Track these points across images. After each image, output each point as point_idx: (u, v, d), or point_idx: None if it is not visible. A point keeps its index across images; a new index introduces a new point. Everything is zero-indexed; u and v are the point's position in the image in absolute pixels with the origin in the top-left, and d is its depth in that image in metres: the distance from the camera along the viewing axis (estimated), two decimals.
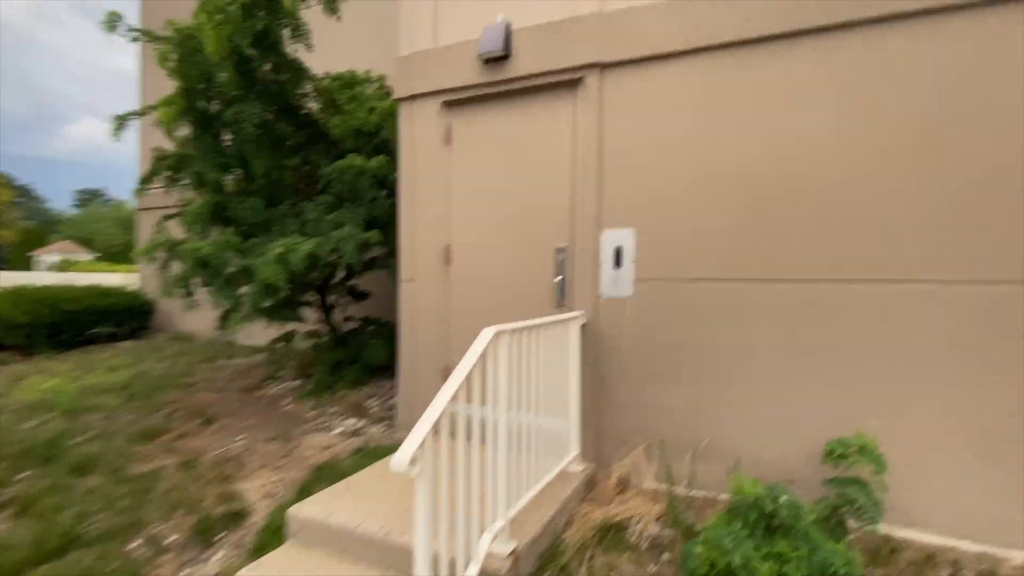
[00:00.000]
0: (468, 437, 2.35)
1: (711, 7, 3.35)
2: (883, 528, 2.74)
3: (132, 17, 5.19)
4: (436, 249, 4.30)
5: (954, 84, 2.89)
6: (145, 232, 10.18)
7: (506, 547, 2.47)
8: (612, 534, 2.93)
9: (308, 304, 6.19)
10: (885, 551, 2.81)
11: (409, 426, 4.30)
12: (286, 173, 5.59)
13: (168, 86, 5.12)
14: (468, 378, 2.23)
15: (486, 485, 2.41)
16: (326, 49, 5.82)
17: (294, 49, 5.38)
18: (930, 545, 2.86)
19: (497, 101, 4.06)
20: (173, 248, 5.01)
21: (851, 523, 2.69)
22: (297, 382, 6.19)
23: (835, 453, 2.84)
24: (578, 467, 3.51)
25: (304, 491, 3.48)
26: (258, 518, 3.35)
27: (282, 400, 5.61)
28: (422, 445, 1.86)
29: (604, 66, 3.66)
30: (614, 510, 3.11)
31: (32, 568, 2.81)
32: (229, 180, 5.56)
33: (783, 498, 2.39)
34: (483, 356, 2.33)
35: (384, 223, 5.28)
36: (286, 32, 5.20)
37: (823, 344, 3.16)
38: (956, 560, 2.76)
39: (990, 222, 2.83)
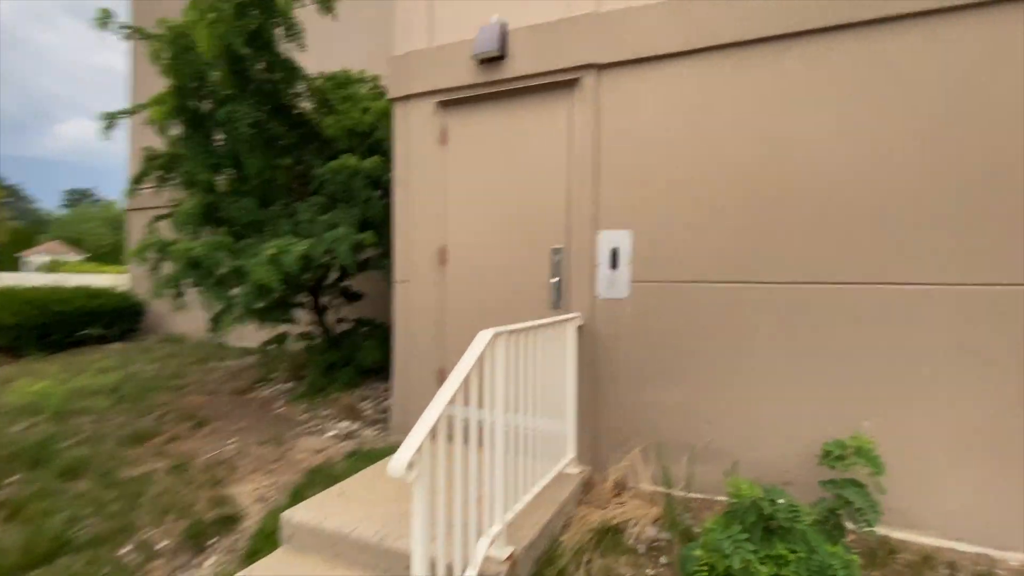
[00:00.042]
0: (466, 440, 2.32)
1: (709, 8, 3.34)
2: (880, 529, 2.73)
3: (123, 15, 5.13)
4: (431, 250, 4.27)
5: (952, 85, 2.89)
6: (135, 232, 10.08)
7: (503, 552, 2.44)
8: (609, 537, 2.90)
9: (301, 306, 6.14)
10: (882, 553, 2.81)
11: (403, 429, 4.30)
12: (279, 173, 5.54)
13: (158, 85, 5.07)
14: (466, 380, 2.21)
15: (483, 488, 2.38)
16: (318, 49, 5.79)
17: (287, 48, 5.34)
18: (926, 546, 2.86)
19: (493, 101, 4.04)
20: (164, 249, 4.95)
21: (848, 525, 2.69)
22: (289, 384, 6.14)
23: (832, 455, 2.84)
24: (575, 469, 3.49)
25: (297, 495, 3.44)
26: (251, 523, 3.30)
27: (274, 402, 5.56)
28: (419, 449, 1.82)
29: (601, 67, 3.65)
30: (611, 512, 3.09)
31: (21, 573, 2.76)
32: (221, 180, 5.51)
33: (781, 500, 2.38)
34: (481, 358, 2.31)
35: (378, 224, 5.25)
36: (279, 31, 5.16)
37: (820, 345, 3.16)
38: (952, 561, 2.76)
39: (989, 224, 2.83)
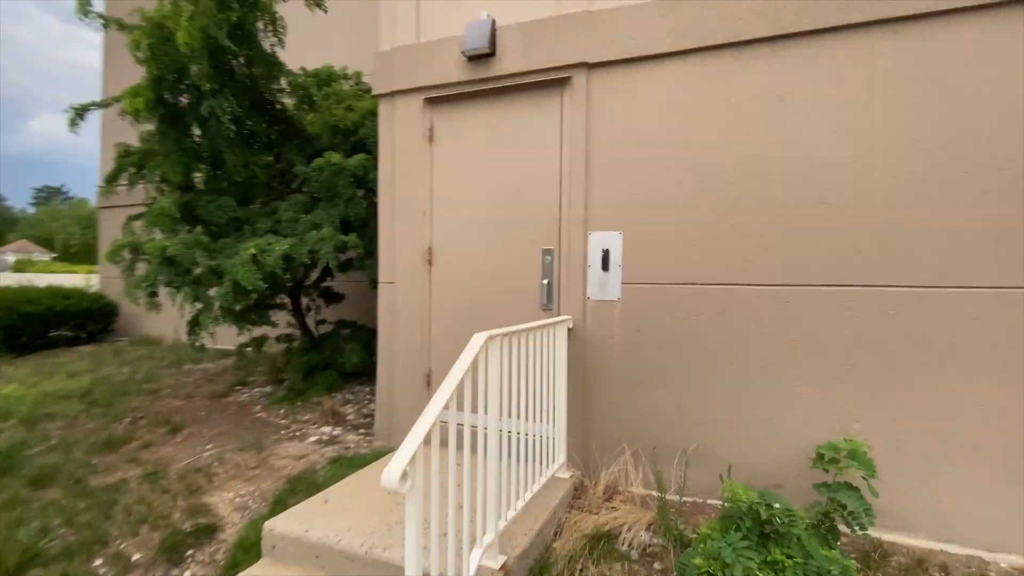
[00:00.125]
0: (459, 446, 2.24)
1: (701, 8, 3.31)
2: (872, 532, 2.72)
3: (99, 6, 4.96)
4: (417, 250, 4.18)
5: (945, 86, 2.89)
6: (107, 231, 9.82)
7: (496, 561, 2.37)
8: (603, 544, 2.85)
9: (280, 307, 6.00)
10: (876, 556, 2.79)
11: (388, 433, 4.21)
12: (259, 170, 5.40)
13: (132, 81, 4.91)
14: (459, 385, 2.13)
15: (476, 496, 2.31)
16: (297, 44, 5.68)
17: (271, 43, 5.22)
18: (919, 549, 2.86)
19: (482, 99, 3.97)
20: (138, 248, 4.79)
21: (842, 528, 2.67)
22: (269, 388, 6.00)
23: (825, 458, 2.82)
24: (566, 474, 3.43)
25: (279, 503, 3.33)
26: (230, 533, 3.18)
27: (253, 407, 5.42)
28: (413, 460, 1.74)
29: (591, 66, 3.60)
30: (604, 518, 3.03)
31: None
32: (198, 178, 5.36)
33: (776, 505, 2.34)
34: (474, 362, 2.23)
35: (361, 223, 5.15)
36: (260, 24, 5.03)
37: (811, 348, 3.14)
38: (944, 564, 2.76)
39: (982, 226, 2.83)
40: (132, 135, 5.51)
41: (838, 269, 3.08)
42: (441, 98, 4.07)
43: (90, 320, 9.26)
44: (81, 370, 6.92)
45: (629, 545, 2.87)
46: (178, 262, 4.50)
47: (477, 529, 2.32)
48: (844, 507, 2.64)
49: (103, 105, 5.24)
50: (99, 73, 10.38)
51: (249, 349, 6.20)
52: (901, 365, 2.98)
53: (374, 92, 4.38)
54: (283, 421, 4.96)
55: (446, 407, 2.03)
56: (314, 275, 6.06)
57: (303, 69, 5.78)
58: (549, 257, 3.72)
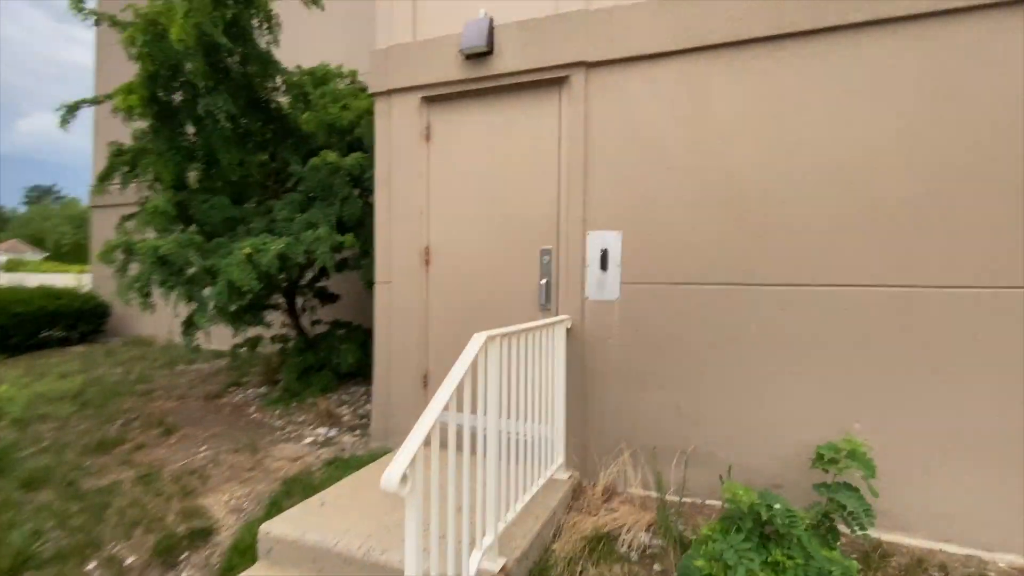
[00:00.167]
0: (459, 447, 2.22)
1: (699, 7, 3.30)
2: (872, 532, 2.71)
3: (91, 2, 4.90)
4: (414, 250, 4.15)
5: (943, 87, 2.89)
6: (98, 230, 9.74)
7: (496, 564, 2.35)
8: (602, 545, 2.83)
9: (275, 307, 5.96)
10: (876, 556, 2.79)
11: (384, 435, 4.18)
12: (253, 169, 5.36)
13: (125, 79, 4.86)
14: (459, 386, 2.11)
15: (475, 497, 2.29)
16: (293, 42, 5.64)
17: (267, 41, 5.18)
18: (918, 549, 2.85)
19: (479, 98, 3.94)
20: (131, 248, 4.74)
21: (842, 528, 2.66)
22: (263, 389, 5.95)
23: (825, 458, 2.81)
24: (564, 475, 3.41)
25: (274, 506, 3.30)
26: (225, 535, 3.14)
27: (247, 408, 5.37)
28: (413, 462, 1.71)
29: (590, 65, 3.58)
30: (603, 519, 3.01)
31: None
32: (191, 176, 5.31)
33: (777, 505, 2.33)
34: (474, 363, 2.21)
35: (357, 223, 5.11)
36: (256, 22, 4.99)
37: (810, 347, 3.13)
38: (943, 563, 2.76)
39: (974, 227, 2.83)
40: (125, 134, 5.45)
41: (838, 269, 3.07)
42: (438, 97, 4.05)
43: (82, 320, 9.19)
44: (73, 371, 6.85)
45: (628, 546, 2.85)
46: (171, 262, 4.45)
47: (476, 531, 2.29)
48: (844, 507, 2.63)
49: (95, 102, 5.18)
50: (91, 71, 10.29)
51: (243, 350, 6.15)
52: (901, 365, 2.98)
53: (370, 91, 4.35)
54: (278, 422, 4.92)
55: (446, 408, 2.01)
56: (309, 275, 6.01)
57: (298, 67, 5.74)
58: (547, 257, 3.70)
